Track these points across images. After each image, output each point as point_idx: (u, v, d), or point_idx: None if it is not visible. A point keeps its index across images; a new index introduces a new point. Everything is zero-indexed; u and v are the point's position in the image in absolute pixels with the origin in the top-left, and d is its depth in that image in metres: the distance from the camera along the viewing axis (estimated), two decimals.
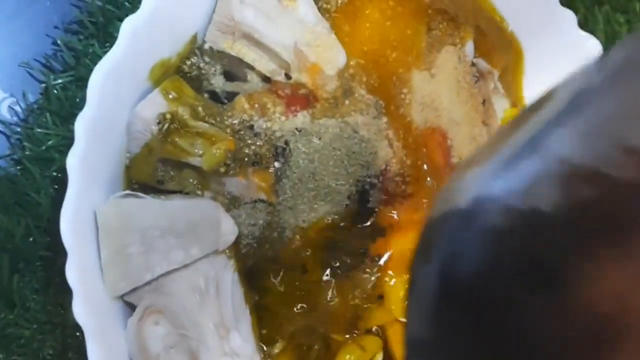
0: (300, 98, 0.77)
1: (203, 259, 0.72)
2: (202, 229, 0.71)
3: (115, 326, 0.71)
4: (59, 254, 0.87)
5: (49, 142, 0.90)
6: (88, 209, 0.70)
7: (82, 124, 0.68)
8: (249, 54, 0.79)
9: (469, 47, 0.87)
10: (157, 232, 0.70)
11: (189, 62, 0.79)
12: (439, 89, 0.84)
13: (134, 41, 0.71)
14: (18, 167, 0.91)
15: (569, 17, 0.83)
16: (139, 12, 0.71)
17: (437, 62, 0.85)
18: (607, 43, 0.82)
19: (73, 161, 0.68)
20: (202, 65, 0.80)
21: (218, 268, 0.73)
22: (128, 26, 0.71)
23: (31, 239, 0.90)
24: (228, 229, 0.73)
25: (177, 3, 0.74)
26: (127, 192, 0.73)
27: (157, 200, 0.72)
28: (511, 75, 0.91)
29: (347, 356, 0.78)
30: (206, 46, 0.80)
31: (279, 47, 0.77)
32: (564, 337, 0.29)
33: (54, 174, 0.91)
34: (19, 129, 0.92)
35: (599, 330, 0.28)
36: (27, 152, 0.90)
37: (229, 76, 0.82)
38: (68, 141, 0.88)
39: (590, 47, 0.83)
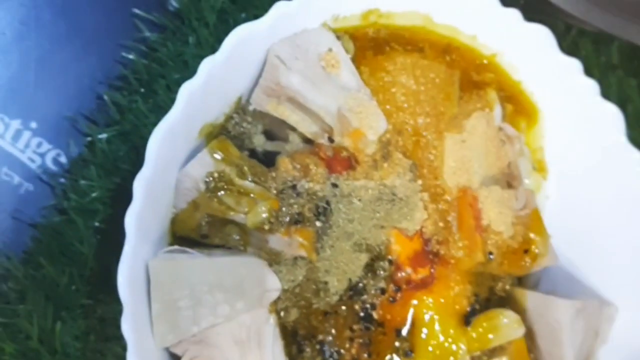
0: (342, 160, 0.81)
1: (245, 313, 0.74)
2: (247, 284, 0.74)
3: None
4: (100, 302, 0.91)
5: (93, 194, 0.94)
6: (141, 264, 0.73)
7: (140, 184, 0.72)
8: (292, 117, 0.82)
9: (497, 112, 0.91)
10: (205, 287, 0.73)
11: (232, 122, 0.83)
12: (470, 153, 0.87)
13: (190, 104, 0.75)
14: (63, 217, 0.94)
15: (592, 86, 0.87)
16: (195, 77, 0.75)
17: (468, 126, 0.88)
18: (620, 106, 0.86)
19: (130, 219, 0.71)
20: (244, 125, 0.84)
21: (260, 322, 0.75)
22: (186, 91, 0.75)
23: (74, 288, 0.93)
24: (273, 285, 0.76)
25: (228, 68, 0.78)
26: (176, 247, 0.76)
27: (205, 257, 0.75)
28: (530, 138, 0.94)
29: None
30: (251, 107, 0.84)
31: (323, 111, 0.80)
32: None
33: (97, 224, 0.94)
34: (63, 180, 0.95)
35: None
36: (72, 203, 0.93)
37: (269, 136, 0.86)
38: (111, 193, 0.92)
39: (608, 111, 0.86)
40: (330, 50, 0.82)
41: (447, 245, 0.84)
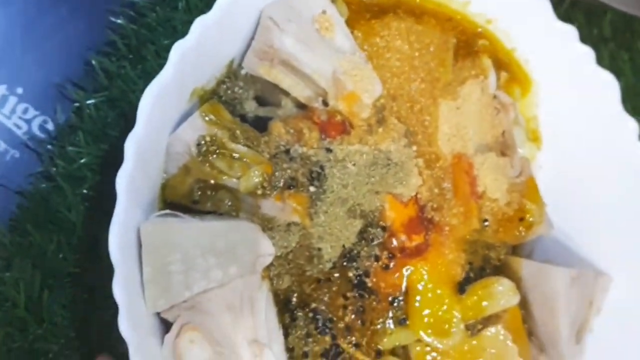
0: (336, 125, 0.80)
1: (238, 278, 0.73)
2: (240, 249, 0.73)
3: (153, 342, 0.72)
4: (87, 271, 0.90)
5: (81, 161, 0.92)
6: (132, 227, 0.71)
7: (132, 144, 0.70)
8: (286, 80, 0.81)
9: (492, 79, 0.90)
10: (198, 251, 0.71)
11: (223, 86, 0.82)
12: (465, 120, 0.86)
13: (182, 64, 0.73)
14: (50, 184, 0.92)
15: (588, 54, 0.86)
16: (187, 37, 0.74)
17: (462, 93, 0.87)
18: None
19: (121, 180, 0.70)
20: (236, 89, 0.83)
21: (252, 288, 0.74)
22: (178, 50, 0.73)
23: (61, 256, 0.92)
24: (266, 250, 0.75)
25: (221, 29, 0.76)
26: (168, 211, 0.74)
27: (199, 221, 0.73)
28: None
29: None
30: (242, 72, 0.82)
31: (317, 74, 0.79)
32: None
33: (85, 191, 0.93)
34: (50, 147, 0.94)
35: None
36: (59, 170, 0.92)
37: (261, 101, 0.84)
38: (100, 160, 0.91)
39: (604, 80, 0.85)
40: (324, 12, 0.81)
41: (441, 212, 0.83)
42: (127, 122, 0.94)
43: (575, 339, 0.86)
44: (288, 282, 0.79)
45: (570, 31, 0.85)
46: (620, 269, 0.86)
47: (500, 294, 0.83)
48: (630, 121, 0.84)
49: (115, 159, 0.93)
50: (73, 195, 0.92)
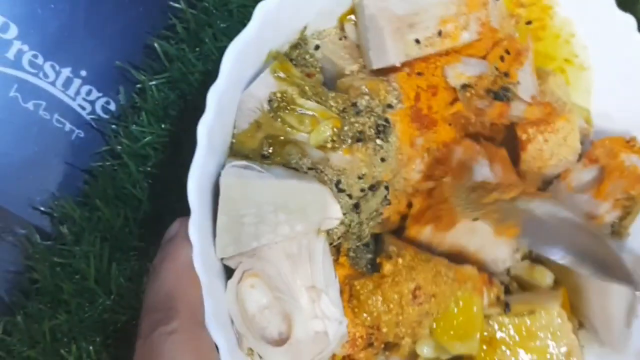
0: None
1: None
2: (310, 209, 0.75)
3: (219, 286, 0.74)
4: (152, 245, 0.91)
5: (145, 139, 0.95)
6: (208, 175, 0.74)
7: (214, 95, 0.72)
8: None
9: None
10: (271, 207, 0.73)
11: (296, 52, 0.85)
12: None
13: (263, 24, 0.76)
14: (116, 162, 0.95)
15: None
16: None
17: None
18: None
19: (203, 128, 0.72)
20: (307, 57, 0.86)
21: (311, 237, 0.76)
22: (262, 9, 0.76)
23: (127, 230, 0.94)
24: (334, 214, 0.76)
25: None
26: (243, 162, 0.76)
27: (274, 179, 0.75)
28: None
29: None
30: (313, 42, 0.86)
31: None
32: None
33: (149, 169, 0.95)
34: (113, 127, 0.96)
35: None
36: (124, 148, 0.94)
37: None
38: (162, 139, 0.93)
39: None
40: None
41: None
42: (187, 102, 0.97)
43: (626, 321, 0.86)
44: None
45: (629, 21, 0.88)
46: None
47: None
48: None
49: (176, 138, 0.96)
50: (138, 172, 0.94)
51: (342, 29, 0.87)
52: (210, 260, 0.73)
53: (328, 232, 0.78)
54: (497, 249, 0.85)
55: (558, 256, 0.79)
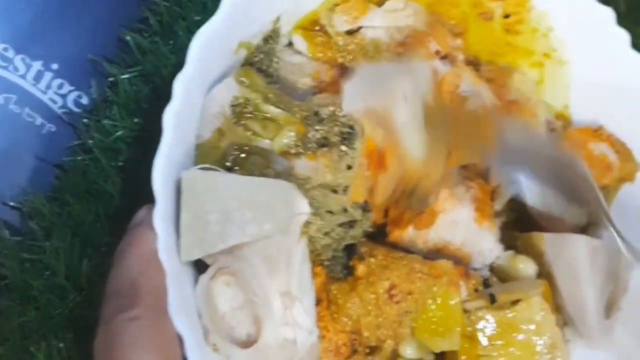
0: None
1: (272, 235, 0.75)
2: (277, 205, 0.74)
3: (186, 275, 0.73)
4: None
5: (117, 133, 0.94)
6: (174, 165, 0.73)
7: (181, 84, 0.72)
8: None
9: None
10: (236, 204, 0.72)
11: (267, 46, 0.85)
12: None
13: (232, 13, 0.76)
14: (87, 157, 0.95)
15: (623, 37, 0.87)
16: None
17: None
18: None
19: (169, 116, 0.71)
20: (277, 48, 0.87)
21: (291, 242, 0.75)
22: None
23: (99, 225, 0.94)
24: (302, 209, 0.76)
25: None
26: (209, 165, 0.75)
27: (239, 176, 0.75)
28: None
29: None
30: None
31: None
32: None
33: (120, 164, 0.95)
34: (85, 121, 0.96)
35: None
36: (96, 142, 0.94)
37: None
38: (135, 133, 0.93)
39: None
40: None
41: None
42: (160, 96, 0.96)
43: (604, 313, 0.85)
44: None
45: (608, 13, 0.87)
46: None
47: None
48: None
49: (149, 132, 0.95)
50: (109, 167, 0.94)
51: (291, 43, 0.88)
52: (175, 253, 0.72)
53: (310, 240, 0.78)
54: (482, 238, 0.86)
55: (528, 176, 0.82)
